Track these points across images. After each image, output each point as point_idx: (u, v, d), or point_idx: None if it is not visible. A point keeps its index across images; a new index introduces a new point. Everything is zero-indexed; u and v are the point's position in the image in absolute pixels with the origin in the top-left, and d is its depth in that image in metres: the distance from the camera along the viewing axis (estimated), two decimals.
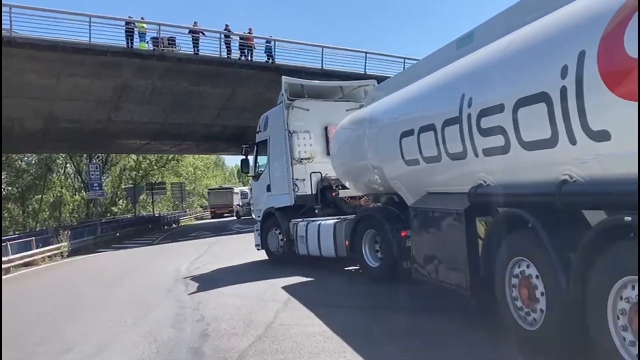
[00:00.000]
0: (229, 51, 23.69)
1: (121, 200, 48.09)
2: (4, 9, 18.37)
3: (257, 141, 13.08)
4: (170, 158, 48.83)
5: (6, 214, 39.55)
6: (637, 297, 3.55)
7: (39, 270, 16.25)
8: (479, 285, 5.35)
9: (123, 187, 45.60)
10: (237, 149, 16.57)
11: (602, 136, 3.81)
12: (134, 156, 46.92)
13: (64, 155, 44.23)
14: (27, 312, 8.86)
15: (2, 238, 17.84)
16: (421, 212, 6.62)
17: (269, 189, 12.51)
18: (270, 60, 24.41)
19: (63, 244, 19.78)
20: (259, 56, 24.50)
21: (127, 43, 21.46)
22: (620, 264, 3.66)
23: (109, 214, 43.77)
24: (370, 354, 5.07)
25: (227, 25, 24.02)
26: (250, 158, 13.46)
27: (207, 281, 10.52)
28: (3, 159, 35.97)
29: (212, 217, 48.40)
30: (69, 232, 21.39)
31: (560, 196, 4.21)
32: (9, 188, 41.96)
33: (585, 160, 4.06)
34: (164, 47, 22.15)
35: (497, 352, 4.92)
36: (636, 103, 3.45)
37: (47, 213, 45.14)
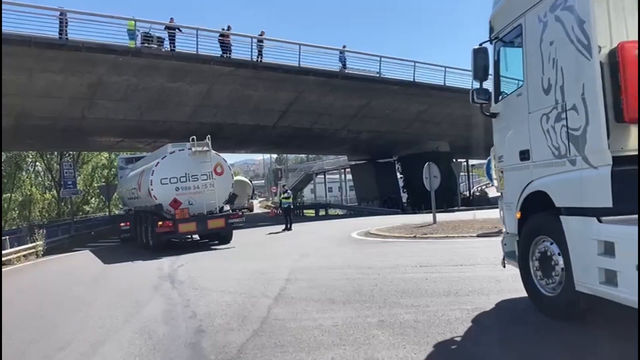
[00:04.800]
0: (224, 51, 23.76)
1: (93, 199, 47.29)
2: None
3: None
4: (143, 155, 48.17)
5: None
6: None
7: (15, 269, 15.93)
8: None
9: (95, 185, 44.86)
10: (213, 147, 16.65)
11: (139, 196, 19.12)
12: (105, 154, 46.17)
13: (33, 153, 43.24)
14: (12, 311, 8.69)
15: None
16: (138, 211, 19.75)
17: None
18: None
19: (38, 242, 19.42)
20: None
21: (60, 34, 20.64)
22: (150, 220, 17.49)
23: (81, 213, 43.00)
24: None
25: (229, 27, 24.49)
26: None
27: (192, 278, 10.55)
28: None
29: None
30: (44, 231, 20.99)
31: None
32: None
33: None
34: (151, 44, 22.16)
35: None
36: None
37: (16, 212, 44.10)
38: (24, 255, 17.92)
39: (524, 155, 5.87)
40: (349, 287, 8.21)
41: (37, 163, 45.99)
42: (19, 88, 20.72)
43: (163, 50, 22.68)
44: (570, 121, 5.00)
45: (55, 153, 41.90)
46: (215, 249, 16.50)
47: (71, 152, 41.65)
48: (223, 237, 17.47)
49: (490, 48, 6.52)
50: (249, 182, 57.29)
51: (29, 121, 23.56)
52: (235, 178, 62.32)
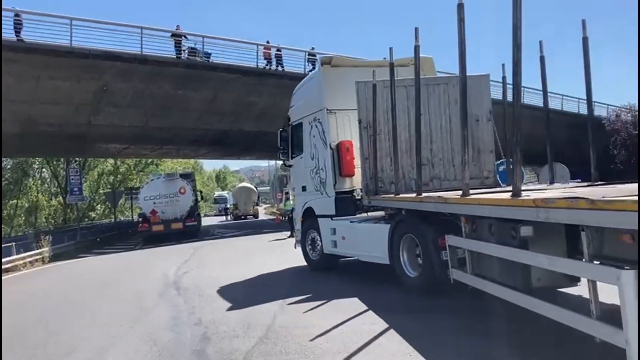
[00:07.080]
0: (277, 63, 25.30)
1: (99, 205, 47.41)
2: None
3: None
4: (149, 162, 48.35)
5: None
6: None
7: (21, 275, 15.98)
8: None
9: (101, 191, 45.03)
10: (219, 153, 16.66)
11: None
12: (111, 160, 46.36)
13: (40, 160, 43.46)
14: (18, 317, 8.71)
15: None
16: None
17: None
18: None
19: (44, 249, 19.44)
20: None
21: (17, 36, 19.98)
22: None
23: (86, 219, 43.13)
24: None
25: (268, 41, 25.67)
26: None
27: (197, 285, 10.54)
28: None
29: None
30: (50, 237, 21.03)
31: None
32: None
33: None
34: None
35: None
36: None
37: (23, 218, 44.27)
38: (29, 262, 17.95)
39: (304, 188, 11.06)
40: (355, 293, 8.18)
41: (44, 169, 46.21)
42: (26, 95, 20.84)
43: (169, 56, 22.83)
44: (321, 175, 10.24)
45: (62, 159, 42.13)
46: (216, 252, 16.49)
47: (77, 159, 41.82)
48: (192, 234, 26.29)
49: (289, 130, 11.51)
50: (254, 188, 57.32)
51: (36, 128, 23.65)
52: (241, 185, 62.62)
